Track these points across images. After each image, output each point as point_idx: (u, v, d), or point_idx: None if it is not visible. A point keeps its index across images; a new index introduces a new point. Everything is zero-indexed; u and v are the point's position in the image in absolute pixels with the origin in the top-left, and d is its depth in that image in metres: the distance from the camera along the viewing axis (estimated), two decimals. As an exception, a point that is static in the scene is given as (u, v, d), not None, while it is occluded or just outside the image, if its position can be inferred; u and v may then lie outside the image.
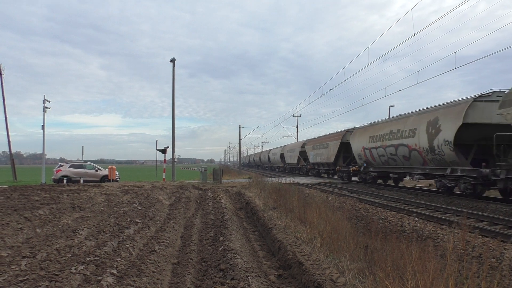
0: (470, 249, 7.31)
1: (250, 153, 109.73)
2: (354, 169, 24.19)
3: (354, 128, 25.89)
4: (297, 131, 53.51)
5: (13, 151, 33.28)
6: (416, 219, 10.90)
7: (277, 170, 54.56)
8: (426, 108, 16.99)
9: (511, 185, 12.19)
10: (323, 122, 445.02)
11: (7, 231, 7.32)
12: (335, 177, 30.45)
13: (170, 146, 27.23)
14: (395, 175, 20.35)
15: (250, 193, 16.41)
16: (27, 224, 8.26)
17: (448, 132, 14.40)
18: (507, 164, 12.37)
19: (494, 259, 6.62)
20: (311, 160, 34.58)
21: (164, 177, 26.41)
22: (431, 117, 15.67)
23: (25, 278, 4.62)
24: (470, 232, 8.14)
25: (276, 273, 5.29)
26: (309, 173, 37.01)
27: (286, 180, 21.44)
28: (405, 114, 18.86)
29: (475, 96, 13.94)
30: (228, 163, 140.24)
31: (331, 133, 30.41)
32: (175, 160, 28.02)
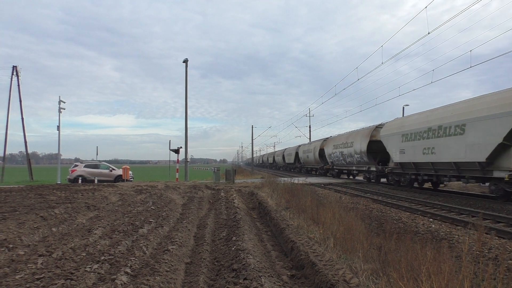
0: (486, 251, 7.17)
1: (263, 153, 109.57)
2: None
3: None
4: (309, 131, 53.33)
5: (29, 151, 33.92)
6: (431, 220, 10.75)
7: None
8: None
9: None
10: (335, 122, 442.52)
11: (24, 230, 7.47)
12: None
13: (183, 146, 27.44)
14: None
15: (262, 193, 16.39)
16: (43, 223, 8.41)
17: None
18: None
19: (511, 261, 6.49)
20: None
21: (177, 177, 26.60)
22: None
23: (41, 276, 4.71)
24: (486, 233, 7.99)
25: (288, 273, 5.27)
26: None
27: (298, 180, 21.35)
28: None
29: None
30: (241, 163, 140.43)
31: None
32: (188, 160, 28.18)
